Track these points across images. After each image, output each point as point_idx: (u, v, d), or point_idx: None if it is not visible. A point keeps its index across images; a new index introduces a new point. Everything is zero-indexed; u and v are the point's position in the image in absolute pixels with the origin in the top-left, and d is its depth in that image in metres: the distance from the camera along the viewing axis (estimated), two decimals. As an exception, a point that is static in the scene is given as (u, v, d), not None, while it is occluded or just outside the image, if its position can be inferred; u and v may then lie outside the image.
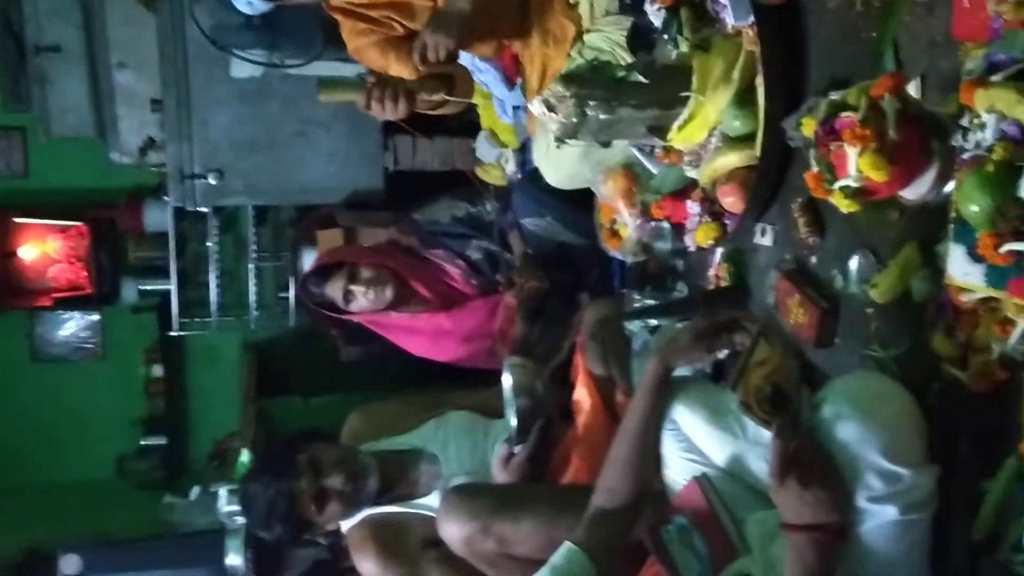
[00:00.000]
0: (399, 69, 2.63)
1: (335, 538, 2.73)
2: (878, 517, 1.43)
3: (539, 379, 2.57)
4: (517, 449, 2.50)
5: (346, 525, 2.62)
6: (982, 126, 1.26)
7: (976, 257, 1.31)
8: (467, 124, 3.69)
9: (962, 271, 1.36)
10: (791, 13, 1.88)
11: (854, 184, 1.44)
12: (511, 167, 3.41)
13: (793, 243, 1.96)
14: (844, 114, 1.47)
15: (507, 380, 2.55)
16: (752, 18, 1.88)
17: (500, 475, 2.52)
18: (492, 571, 2.22)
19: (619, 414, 2.46)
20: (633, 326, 2.55)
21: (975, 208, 1.26)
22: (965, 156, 1.31)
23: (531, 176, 3.11)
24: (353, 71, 3.00)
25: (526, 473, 2.49)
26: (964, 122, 1.30)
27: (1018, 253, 1.24)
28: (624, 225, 2.52)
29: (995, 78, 1.26)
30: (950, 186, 1.42)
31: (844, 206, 1.47)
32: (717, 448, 1.74)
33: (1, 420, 5.09)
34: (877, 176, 1.40)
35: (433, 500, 2.54)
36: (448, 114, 2.78)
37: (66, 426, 5.18)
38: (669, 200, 2.31)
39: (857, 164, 1.42)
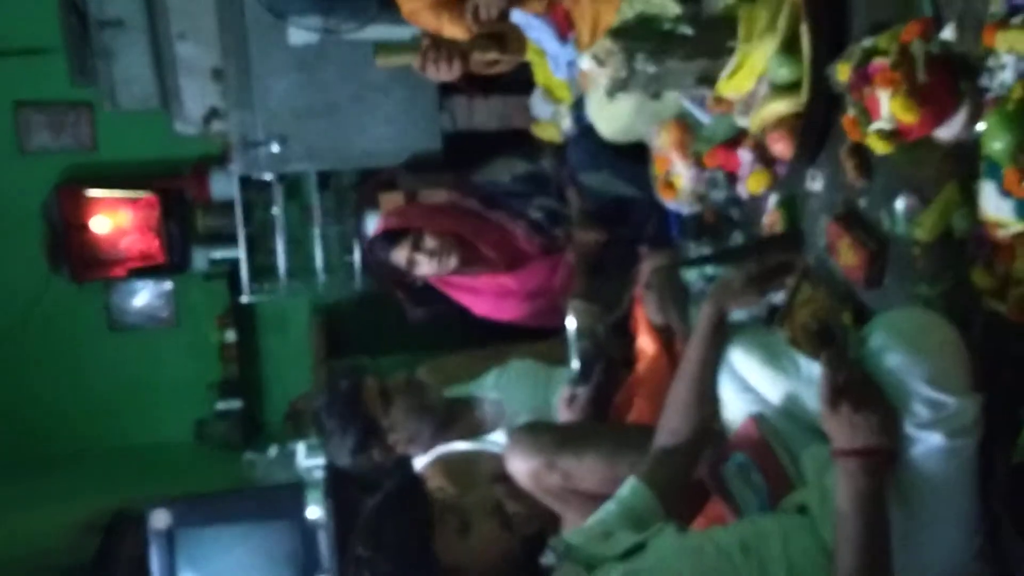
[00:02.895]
0: (452, 29, 2.70)
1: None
2: (925, 443, 1.48)
3: (601, 322, 2.63)
4: (580, 390, 2.58)
5: (419, 463, 2.74)
6: (1004, 67, 1.31)
7: (1005, 192, 1.35)
8: (521, 82, 3.74)
9: (994, 206, 1.41)
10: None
11: (887, 126, 1.49)
12: (566, 123, 3.44)
13: (842, 187, 2.00)
14: (876, 59, 1.51)
15: (570, 323, 2.62)
16: (795, -33, 1.91)
17: (564, 415, 2.60)
18: (558, 505, 2.29)
19: (679, 360, 2.52)
20: (690, 275, 2.60)
21: (998, 145, 1.30)
22: (990, 96, 1.35)
23: (586, 131, 3.13)
24: (407, 34, 3.06)
25: (589, 414, 2.57)
26: (990, 63, 1.34)
27: (1043, 187, 1.28)
28: (679, 176, 2.57)
29: (1015, 20, 1.30)
30: (981, 126, 1.46)
31: (880, 148, 1.52)
32: (772, 387, 1.79)
33: (83, 388, 5.27)
34: (908, 118, 1.45)
35: (499, 436, 2.65)
36: (502, 73, 2.83)
37: (145, 392, 5.34)
38: (721, 149, 2.34)
39: (889, 107, 1.46)
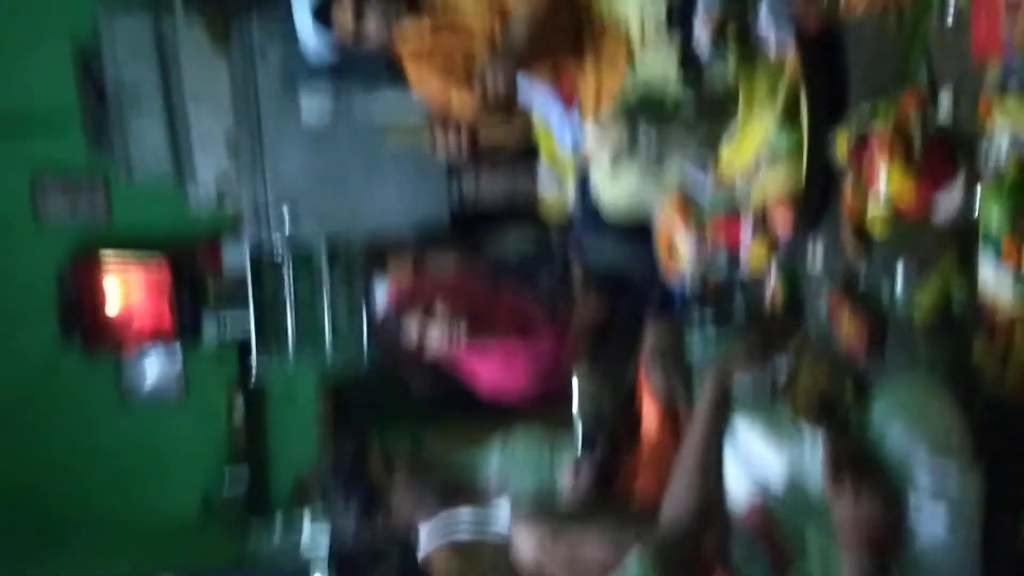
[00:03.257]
0: (461, 102, 2.75)
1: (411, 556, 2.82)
2: (928, 515, 1.46)
3: (605, 391, 2.62)
4: (584, 460, 2.56)
5: (425, 542, 2.71)
6: (1000, 139, 1.31)
7: (1003, 263, 1.35)
8: (528, 156, 3.79)
9: (993, 279, 1.41)
10: (830, 33, 1.94)
11: (885, 194, 1.49)
12: (571, 196, 3.48)
13: (842, 258, 2.01)
14: (874, 123, 1.53)
15: (574, 393, 2.61)
16: (794, 40, 1.94)
17: (568, 483, 2.58)
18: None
19: (684, 431, 2.51)
20: (694, 346, 2.60)
21: (995, 216, 1.31)
22: (987, 167, 1.35)
23: (590, 204, 3.17)
24: (417, 110, 3.11)
25: (593, 482, 2.54)
26: (986, 135, 1.35)
27: (1041, 257, 1.28)
28: (681, 247, 2.58)
29: (1010, 94, 1.31)
30: (978, 196, 1.46)
31: (879, 231, 1.53)
32: (776, 460, 1.78)
33: (92, 459, 5.23)
34: (906, 186, 1.46)
35: (503, 507, 2.62)
36: (509, 147, 2.87)
37: (153, 464, 5.30)
38: (723, 219, 2.36)
39: (887, 175, 1.47)
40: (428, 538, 2.73)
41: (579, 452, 2.59)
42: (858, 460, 1.51)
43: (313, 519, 3.69)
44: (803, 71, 1.91)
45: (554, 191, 3.61)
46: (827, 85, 1.93)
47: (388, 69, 3.39)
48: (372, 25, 2.64)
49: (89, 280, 5.00)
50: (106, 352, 5.15)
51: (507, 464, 2.79)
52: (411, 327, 3.15)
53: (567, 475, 2.61)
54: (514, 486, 2.71)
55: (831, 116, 1.90)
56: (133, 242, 5.08)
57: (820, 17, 1.76)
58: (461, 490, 2.73)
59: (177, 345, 5.20)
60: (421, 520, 2.74)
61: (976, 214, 1.44)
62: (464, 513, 2.72)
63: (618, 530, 2.19)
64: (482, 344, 3.28)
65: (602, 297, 3.15)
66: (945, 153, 1.53)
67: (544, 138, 3.27)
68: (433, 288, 3.21)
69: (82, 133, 4.74)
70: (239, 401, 5.24)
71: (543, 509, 2.30)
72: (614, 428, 2.61)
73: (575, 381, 2.63)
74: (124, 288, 5.06)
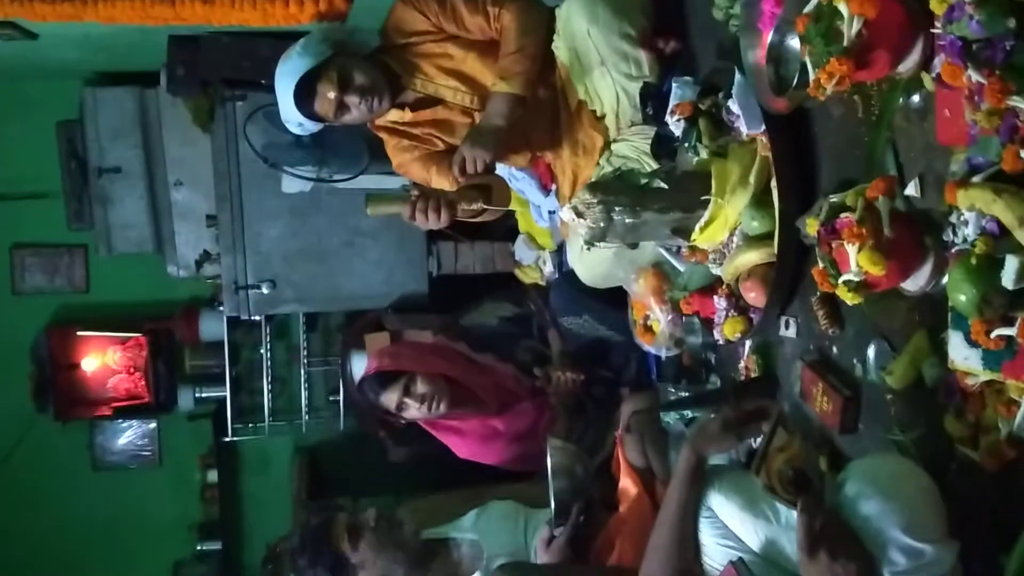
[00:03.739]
0: (440, 181, 2.81)
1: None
2: (903, 593, 1.50)
3: (579, 462, 2.64)
4: (558, 531, 2.57)
5: None
6: (966, 223, 1.38)
7: (972, 343, 1.40)
8: (506, 229, 3.85)
9: (962, 356, 1.46)
10: (800, 121, 2.02)
11: (855, 278, 1.55)
12: (548, 268, 3.54)
13: (815, 334, 2.06)
14: (843, 215, 1.60)
15: (548, 462, 2.63)
16: (764, 126, 2.02)
17: (542, 556, 2.59)
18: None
19: (659, 502, 2.53)
20: (669, 418, 2.64)
21: (963, 298, 1.36)
22: (954, 250, 1.41)
23: (567, 276, 3.22)
24: (397, 184, 3.17)
25: (567, 556, 2.55)
26: (952, 219, 1.41)
27: (1008, 338, 1.34)
28: (656, 321, 2.64)
29: (975, 179, 1.38)
30: (946, 279, 1.51)
31: (849, 299, 1.58)
32: (752, 533, 1.79)
33: (62, 527, 5.18)
34: (875, 270, 1.52)
35: None
36: (487, 221, 2.93)
37: (124, 533, 5.26)
38: (697, 296, 2.41)
39: (857, 260, 1.53)
40: None
41: (553, 523, 2.60)
42: (834, 532, 1.54)
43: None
44: (774, 156, 1.98)
45: (531, 261, 3.67)
46: (797, 170, 2.00)
47: (368, 142, 3.47)
48: (354, 116, 2.70)
49: (64, 349, 5.01)
50: (79, 421, 5.13)
51: (481, 535, 2.80)
52: (390, 402, 3.15)
53: (540, 546, 2.62)
54: (488, 559, 2.71)
55: (802, 200, 1.96)
56: (111, 313, 5.09)
57: (789, 104, 1.83)
58: (434, 563, 2.73)
59: (152, 414, 5.17)
60: None
61: (945, 293, 1.49)
62: None
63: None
64: (460, 422, 3.29)
65: (579, 369, 3.18)
66: (913, 237, 1.59)
67: (522, 212, 3.34)
68: (412, 362, 3.21)
69: (63, 205, 4.78)
70: (213, 470, 5.21)
71: (521, 566, 2.31)
72: (589, 499, 2.62)
73: (549, 452, 2.65)
74: (99, 359, 5.05)
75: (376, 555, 2.61)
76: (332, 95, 2.62)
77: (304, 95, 2.64)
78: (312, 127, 2.77)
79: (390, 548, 2.61)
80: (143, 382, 5.03)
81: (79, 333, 5.04)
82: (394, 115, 2.81)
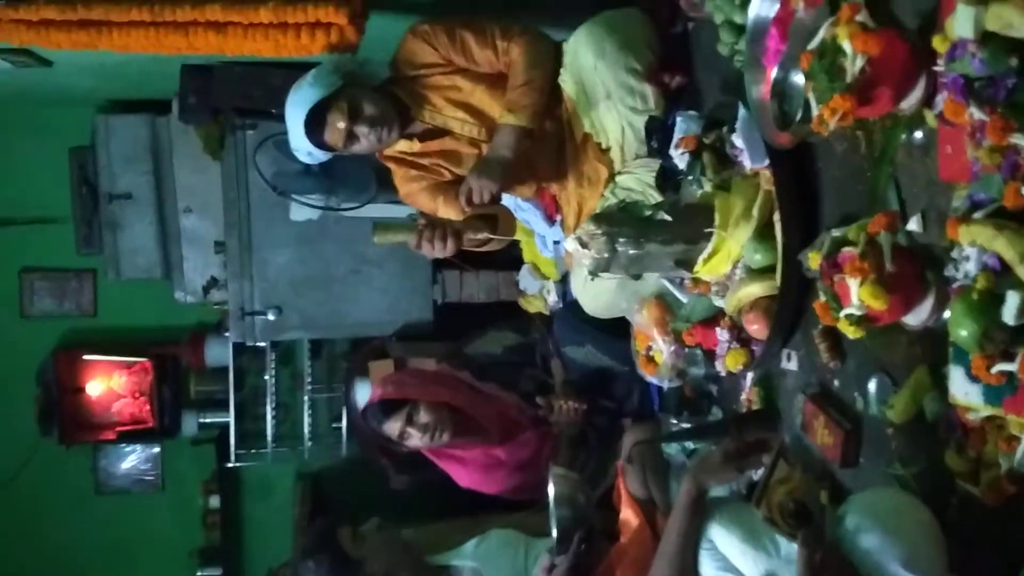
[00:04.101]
0: (447, 211, 2.84)
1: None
2: (902, 627, 1.50)
3: (581, 491, 2.63)
4: (558, 560, 2.56)
5: None
6: (967, 258, 1.39)
7: (973, 378, 1.41)
8: (510, 258, 3.87)
9: (963, 391, 1.46)
10: (803, 155, 2.04)
11: (857, 312, 1.56)
12: (552, 298, 3.56)
13: (816, 367, 2.07)
14: (846, 249, 1.61)
15: (550, 490, 2.63)
16: (767, 160, 2.04)
17: None
18: None
19: (660, 533, 2.53)
20: (671, 449, 2.65)
21: (964, 333, 1.36)
22: (955, 285, 1.42)
23: (571, 306, 3.23)
24: (404, 212, 3.19)
25: None
26: (954, 254, 1.43)
27: (1008, 373, 1.34)
28: (659, 352, 2.64)
29: (976, 215, 1.39)
30: (948, 313, 1.53)
31: (850, 332, 1.59)
32: (752, 566, 1.80)
33: (65, 551, 5.18)
34: (877, 304, 1.53)
35: None
36: (493, 250, 2.95)
37: (125, 557, 5.25)
38: (700, 328, 2.42)
39: (858, 294, 1.54)
40: None
41: (554, 551, 2.60)
42: (834, 566, 1.54)
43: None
44: (777, 191, 2.00)
45: (535, 290, 3.68)
46: (800, 204, 2.01)
47: (376, 172, 3.50)
48: (363, 146, 2.73)
49: (70, 373, 5.02)
50: (83, 444, 5.14)
51: (482, 563, 2.80)
52: (393, 430, 3.15)
53: (541, 574, 2.61)
54: None
55: (804, 234, 1.98)
56: (117, 337, 5.11)
57: (793, 139, 1.85)
58: None
59: (156, 438, 5.18)
60: None
61: (946, 328, 1.50)
62: None
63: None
64: (463, 451, 3.29)
65: (582, 399, 3.19)
66: (915, 272, 1.60)
67: (527, 242, 3.36)
68: (416, 390, 3.21)
69: (73, 230, 4.81)
70: (215, 496, 5.20)
71: None
72: (590, 529, 2.62)
73: (551, 482, 2.65)
74: (105, 383, 5.07)
75: (382, 548, 2.61)
76: (342, 125, 2.65)
77: (314, 125, 2.67)
78: (321, 156, 2.80)
79: (394, 550, 2.61)
80: (147, 407, 5.04)
81: (85, 357, 5.05)
82: (402, 145, 2.84)
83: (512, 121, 2.63)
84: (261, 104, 3.70)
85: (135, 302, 5.06)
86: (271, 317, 4.21)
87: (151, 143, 4.43)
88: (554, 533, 2.58)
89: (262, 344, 4.53)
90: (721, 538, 1.85)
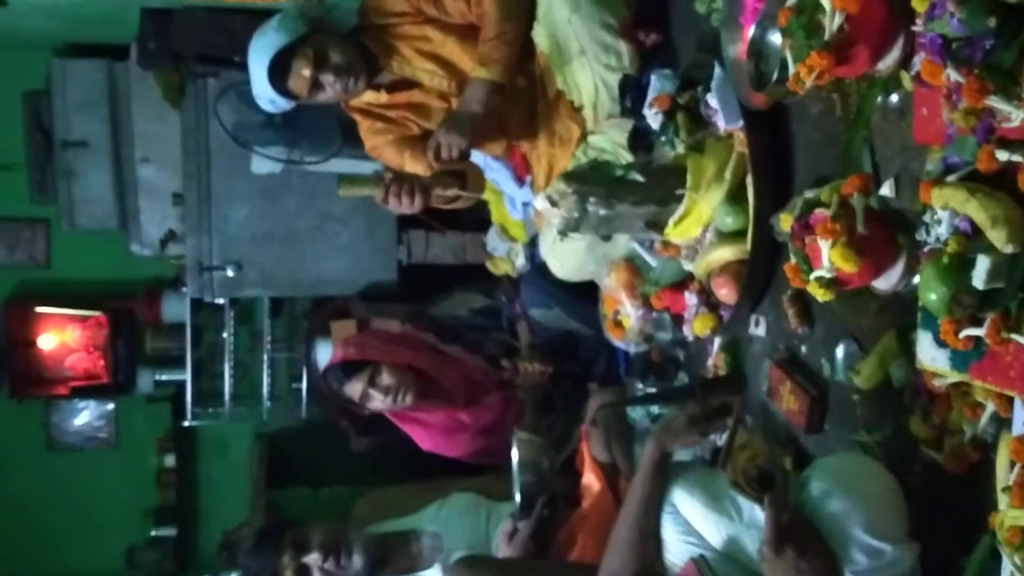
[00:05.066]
0: (414, 166, 2.79)
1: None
2: (864, 593, 1.49)
3: (545, 455, 2.62)
4: (521, 524, 2.55)
5: None
6: (939, 222, 1.37)
7: (941, 343, 1.40)
8: (478, 219, 3.83)
9: (930, 356, 1.45)
10: (778, 117, 2.01)
11: (827, 275, 1.55)
12: (520, 260, 3.52)
13: (784, 333, 2.06)
14: (818, 210, 1.59)
15: (514, 454, 2.61)
16: (741, 122, 2.01)
17: (504, 550, 2.57)
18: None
19: (623, 498, 2.52)
20: (635, 413, 2.64)
21: (933, 296, 1.35)
22: (926, 249, 1.41)
23: (539, 269, 3.21)
24: (370, 168, 3.14)
25: (529, 549, 2.53)
26: (926, 218, 1.41)
27: (976, 338, 1.33)
28: (627, 316, 2.63)
29: (949, 179, 1.37)
30: (918, 278, 1.51)
31: (820, 295, 1.58)
32: (714, 530, 1.80)
33: (14, 508, 5.11)
34: (847, 267, 1.51)
35: (435, 572, 2.59)
36: (461, 209, 2.90)
37: (78, 515, 5.20)
38: (668, 292, 2.41)
39: (829, 256, 1.53)
40: None
41: (516, 516, 2.58)
42: (799, 530, 1.54)
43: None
44: (750, 152, 1.97)
45: (503, 252, 3.65)
46: (774, 167, 1.99)
47: (341, 124, 3.44)
48: (328, 95, 2.67)
49: (22, 326, 4.94)
50: (35, 399, 5.06)
51: (442, 527, 2.78)
52: (355, 392, 3.11)
53: (502, 539, 2.60)
54: (448, 552, 2.69)
55: (777, 198, 1.96)
56: (71, 290, 5.02)
57: (768, 99, 1.83)
58: (393, 556, 2.71)
59: (110, 394, 5.11)
60: None
61: (915, 293, 1.49)
62: None
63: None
64: (425, 413, 3.26)
65: (548, 362, 3.17)
66: (886, 235, 1.59)
67: (495, 202, 3.32)
68: (378, 352, 3.17)
69: (26, 178, 4.70)
70: (170, 454, 5.15)
71: (477, 569, 2.30)
72: (553, 493, 2.61)
73: (515, 446, 2.63)
74: (58, 337, 4.98)
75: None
76: (307, 73, 2.58)
77: (278, 72, 2.60)
78: (284, 104, 2.73)
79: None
80: (102, 362, 4.98)
81: (38, 309, 4.97)
82: (369, 96, 2.78)
83: (483, 75, 2.58)
84: (223, 51, 3.62)
85: (90, 254, 4.97)
86: (230, 273, 4.13)
87: (108, 89, 4.32)
88: (517, 498, 2.56)
89: (220, 301, 4.44)
90: (684, 502, 1.84)
